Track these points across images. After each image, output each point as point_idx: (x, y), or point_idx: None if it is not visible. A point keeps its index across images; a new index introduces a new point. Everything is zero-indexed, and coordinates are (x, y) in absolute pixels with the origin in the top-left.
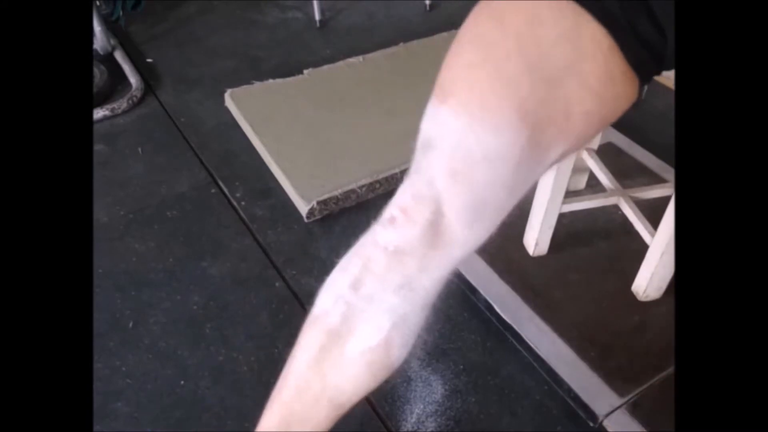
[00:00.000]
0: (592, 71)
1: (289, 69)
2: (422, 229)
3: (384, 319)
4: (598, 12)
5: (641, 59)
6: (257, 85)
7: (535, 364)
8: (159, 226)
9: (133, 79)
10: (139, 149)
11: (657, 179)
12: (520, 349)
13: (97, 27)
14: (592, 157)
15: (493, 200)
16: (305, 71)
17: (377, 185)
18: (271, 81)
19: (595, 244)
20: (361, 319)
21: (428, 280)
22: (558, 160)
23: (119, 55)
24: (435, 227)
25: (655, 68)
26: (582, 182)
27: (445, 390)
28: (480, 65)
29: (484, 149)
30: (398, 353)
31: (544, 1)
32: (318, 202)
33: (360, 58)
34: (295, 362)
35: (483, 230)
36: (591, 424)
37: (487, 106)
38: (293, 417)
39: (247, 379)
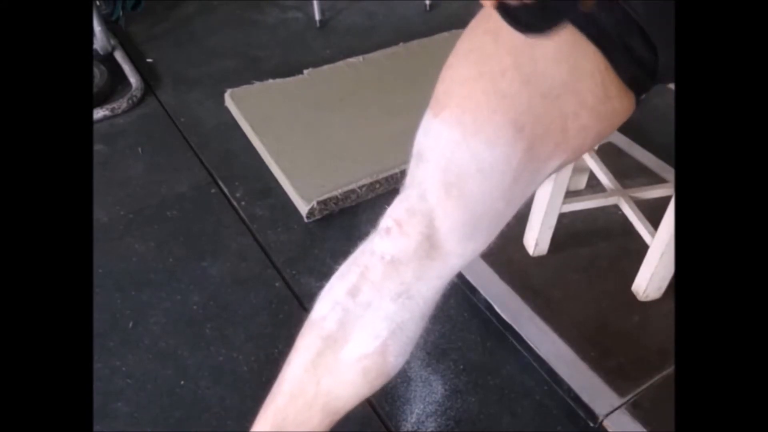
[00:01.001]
0: (590, 89)
1: (289, 69)
2: (417, 242)
3: (381, 326)
4: (593, 34)
5: (635, 77)
6: (257, 85)
7: (535, 364)
8: (159, 226)
9: (133, 79)
10: (139, 149)
11: (657, 179)
12: (520, 349)
13: (97, 27)
14: (592, 157)
15: (490, 212)
16: (305, 71)
17: (377, 185)
18: (271, 81)
19: (595, 244)
20: (357, 326)
21: (426, 288)
22: (556, 171)
23: (119, 55)
24: (430, 240)
25: (649, 84)
26: (582, 182)
27: (445, 390)
28: (475, 79)
29: (478, 162)
30: (395, 361)
31: None
32: (318, 202)
33: (360, 58)
34: (291, 367)
35: (481, 240)
36: (591, 424)
37: (480, 119)
38: (286, 422)
39: (247, 379)
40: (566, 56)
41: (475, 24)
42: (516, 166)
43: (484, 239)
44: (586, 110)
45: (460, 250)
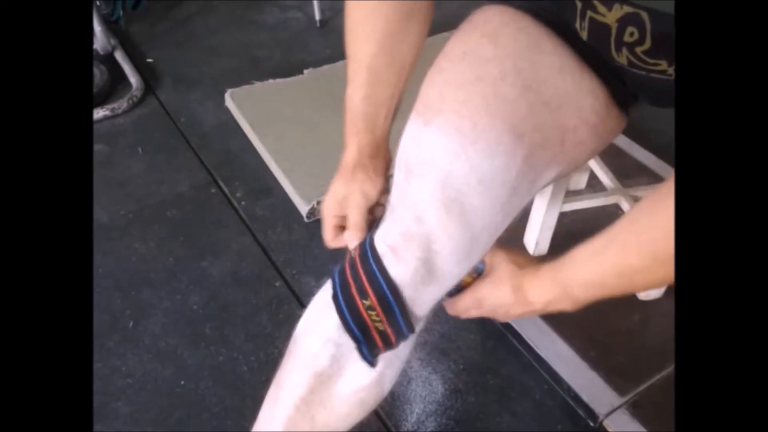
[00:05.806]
0: (592, 106)
1: (289, 69)
2: (414, 269)
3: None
4: (591, 60)
5: (625, 99)
6: (257, 85)
7: (535, 364)
8: (159, 226)
9: (133, 79)
10: (139, 149)
11: (657, 179)
12: (520, 348)
13: (97, 27)
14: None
15: (490, 227)
16: (305, 71)
17: None
18: (271, 81)
19: None
20: (352, 360)
21: (420, 310)
22: (549, 183)
23: (119, 55)
24: (427, 265)
25: (632, 104)
26: (582, 182)
27: (445, 390)
28: (473, 83)
29: (479, 174)
30: (389, 386)
31: (543, 30)
32: (318, 202)
33: None
34: (280, 405)
35: (477, 256)
36: (591, 424)
37: (480, 126)
38: None
39: (247, 379)
40: (569, 68)
41: (468, 27)
42: (515, 176)
43: (480, 254)
44: (586, 126)
45: (457, 271)
